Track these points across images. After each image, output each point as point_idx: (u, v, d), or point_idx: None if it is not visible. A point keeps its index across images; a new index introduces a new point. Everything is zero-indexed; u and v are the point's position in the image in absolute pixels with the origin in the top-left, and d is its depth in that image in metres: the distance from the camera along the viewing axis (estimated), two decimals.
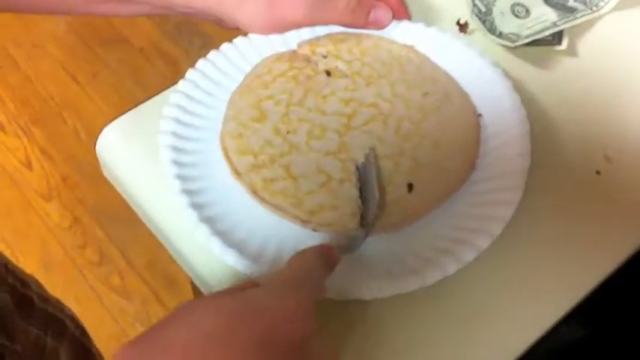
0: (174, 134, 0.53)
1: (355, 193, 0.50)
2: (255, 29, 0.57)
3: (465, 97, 0.57)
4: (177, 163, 0.51)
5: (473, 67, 0.58)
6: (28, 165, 1.73)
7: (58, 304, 0.70)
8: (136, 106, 0.58)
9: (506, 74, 0.57)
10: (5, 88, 1.87)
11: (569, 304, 0.48)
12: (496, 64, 0.58)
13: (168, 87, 0.57)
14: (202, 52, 0.54)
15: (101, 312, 1.49)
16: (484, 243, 0.48)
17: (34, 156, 1.75)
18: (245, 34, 0.59)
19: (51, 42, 1.97)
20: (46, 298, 0.68)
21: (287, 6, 0.56)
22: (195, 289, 0.57)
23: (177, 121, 0.54)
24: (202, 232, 0.48)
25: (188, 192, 0.50)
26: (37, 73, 1.91)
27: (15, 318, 0.59)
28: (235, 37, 0.59)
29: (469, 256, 0.47)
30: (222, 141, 0.53)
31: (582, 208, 0.52)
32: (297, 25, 0.58)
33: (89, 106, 1.82)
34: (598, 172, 0.54)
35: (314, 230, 0.49)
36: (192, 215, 0.48)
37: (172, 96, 0.55)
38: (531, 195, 0.50)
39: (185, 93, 0.55)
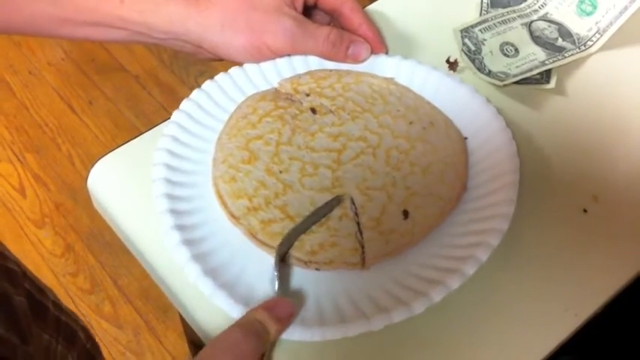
0: (168, 166, 0.53)
1: (354, 227, 0.51)
2: (235, 55, 0.57)
3: (449, 122, 0.58)
4: (169, 196, 0.51)
5: (455, 95, 0.59)
6: (22, 192, 1.73)
7: (72, 315, 0.70)
8: (128, 140, 0.58)
9: (489, 100, 0.58)
10: (0, 115, 1.88)
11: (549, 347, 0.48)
12: (477, 91, 0.59)
13: (163, 115, 0.57)
14: (199, 80, 0.55)
15: None
16: (484, 256, 0.48)
17: (27, 183, 1.75)
18: (238, 64, 0.59)
19: (47, 69, 1.98)
20: (61, 307, 0.68)
21: (268, 32, 0.56)
22: (184, 322, 0.57)
23: (171, 153, 0.54)
24: (193, 270, 0.48)
25: (180, 227, 0.50)
26: (32, 100, 1.91)
27: (30, 322, 0.59)
28: (232, 64, 0.59)
29: (469, 269, 0.47)
30: (215, 185, 0.53)
31: (568, 245, 0.53)
32: (278, 53, 0.58)
33: (84, 134, 1.83)
34: (585, 211, 0.54)
35: (317, 270, 0.49)
36: (183, 253, 0.48)
37: (165, 128, 0.55)
38: (518, 230, 0.51)
39: (178, 123, 0.56)
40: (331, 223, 0.51)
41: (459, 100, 0.58)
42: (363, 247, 0.50)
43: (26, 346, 0.56)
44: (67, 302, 1.52)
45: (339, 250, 0.50)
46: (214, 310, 0.48)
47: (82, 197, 1.69)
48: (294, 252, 0.49)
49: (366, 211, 0.51)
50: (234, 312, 0.46)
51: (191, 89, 0.57)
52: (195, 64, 1.90)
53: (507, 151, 0.54)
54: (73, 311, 0.71)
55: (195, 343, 0.82)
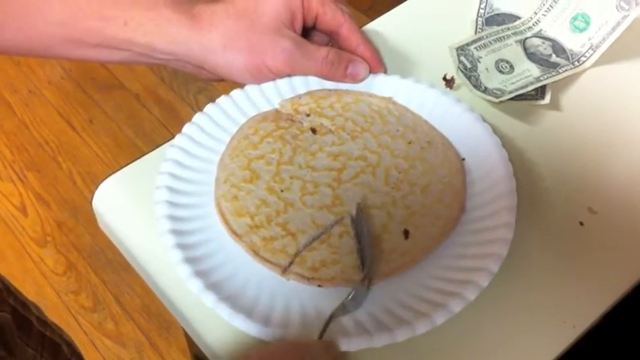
0: (170, 189, 0.54)
1: (354, 245, 0.51)
2: (236, 75, 0.59)
3: (447, 143, 0.59)
4: (171, 217, 0.52)
5: (451, 114, 0.60)
6: (23, 210, 1.74)
7: (56, 329, 0.71)
8: (131, 161, 0.59)
9: (484, 118, 0.59)
10: (0, 134, 1.89)
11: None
12: (472, 110, 0.60)
13: (163, 133, 0.58)
14: (199, 98, 0.56)
15: (95, 358, 1.49)
16: (484, 281, 0.49)
17: (29, 201, 1.75)
18: (240, 85, 0.60)
19: (47, 88, 1.99)
20: (45, 322, 0.69)
21: (268, 53, 0.57)
22: (188, 337, 0.57)
23: (173, 176, 0.55)
24: (195, 285, 0.49)
25: (182, 246, 0.51)
26: (32, 118, 1.93)
27: (15, 336, 0.60)
28: (231, 84, 0.60)
29: (471, 295, 0.48)
30: (218, 204, 0.54)
31: (565, 258, 0.53)
32: (277, 73, 0.59)
33: (85, 152, 1.84)
34: (581, 223, 0.55)
35: (319, 286, 0.50)
36: (185, 270, 0.49)
37: (168, 151, 0.56)
38: (514, 243, 0.52)
39: (181, 147, 0.57)
40: (332, 241, 0.52)
41: (456, 118, 0.59)
42: (364, 264, 0.51)
43: (13, 358, 0.57)
44: (69, 320, 1.53)
45: (340, 267, 0.50)
46: (218, 324, 0.49)
47: (83, 215, 1.70)
48: (297, 268, 0.50)
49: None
50: (236, 321, 0.47)
51: (191, 106, 0.58)
52: (195, 82, 1.92)
53: (504, 173, 0.55)
54: (60, 326, 0.72)
55: (200, 358, 0.83)
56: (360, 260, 0.50)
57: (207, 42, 0.56)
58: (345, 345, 0.46)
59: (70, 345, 0.73)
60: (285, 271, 0.50)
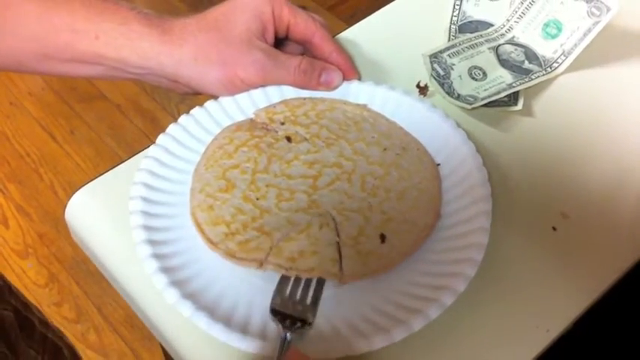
0: (145, 199, 0.54)
1: (334, 237, 0.51)
2: (209, 88, 0.59)
3: (421, 148, 0.59)
4: (147, 227, 0.52)
5: (426, 120, 0.60)
6: (5, 222, 1.73)
7: (57, 332, 0.71)
8: (104, 172, 0.59)
9: (459, 125, 0.60)
10: None
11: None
12: (447, 116, 0.60)
13: (145, 143, 0.58)
14: (180, 107, 0.56)
15: None
16: (461, 286, 0.49)
17: (10, 213, 1.74)
18: (214, 97, 0.60)
19: (28, 99, 1.98)
20: (47, 323, 0.69)
21: (240, 65, 0.58)
22: (165, 351, 0.57)
23: (148, 186, 0.55)
24: (172, 295, 0.49)
25: (157, 256, 0.51)
26: (14, 130, 1.91)
27: (17, 336, 0.60)
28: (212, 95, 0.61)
29: (448, 299, 0.48)
30: (193, 214, 0.54)
31: (538, 263, 0.54)
32: (251, 85, 0.60)
33: (66, 163, 1.83)
34: (554, 228, 0.56)
35: (297, 277, 0.50)
36: (161, 279, 0.49)
37: (142, 162, 0.56)
38: (487, 250, 0.52)
39: (155, 157, 0.57)
40: (312, 231, 0.52)
41: (430, 125, 0.60)
42: (342, 258, 0.51)
43: (15, 356, 0.57)
44: None
45: (319, 258, 0.50)
46: (194, 338, 0.49)
47: (64, 227, 1.67)
48: (274, 258, 0.50)
49: (344, 229, 0.52)
50: (214, 331, 0.47)
51: (173, 116, 0.58)
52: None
53: (479, 178, 0.55)
54: (58, 328, 0.72)
55: None
56: (338, 253, 0.50)
57: (179, 56, 0.56)
58: (322, 351, 0.46)
59: (72, 349, 0.73)
60: (261, 264, 0.50)
